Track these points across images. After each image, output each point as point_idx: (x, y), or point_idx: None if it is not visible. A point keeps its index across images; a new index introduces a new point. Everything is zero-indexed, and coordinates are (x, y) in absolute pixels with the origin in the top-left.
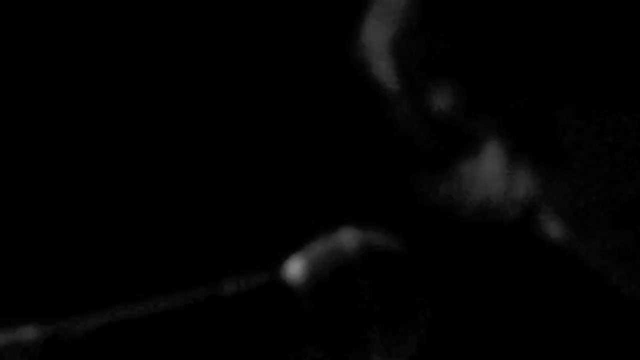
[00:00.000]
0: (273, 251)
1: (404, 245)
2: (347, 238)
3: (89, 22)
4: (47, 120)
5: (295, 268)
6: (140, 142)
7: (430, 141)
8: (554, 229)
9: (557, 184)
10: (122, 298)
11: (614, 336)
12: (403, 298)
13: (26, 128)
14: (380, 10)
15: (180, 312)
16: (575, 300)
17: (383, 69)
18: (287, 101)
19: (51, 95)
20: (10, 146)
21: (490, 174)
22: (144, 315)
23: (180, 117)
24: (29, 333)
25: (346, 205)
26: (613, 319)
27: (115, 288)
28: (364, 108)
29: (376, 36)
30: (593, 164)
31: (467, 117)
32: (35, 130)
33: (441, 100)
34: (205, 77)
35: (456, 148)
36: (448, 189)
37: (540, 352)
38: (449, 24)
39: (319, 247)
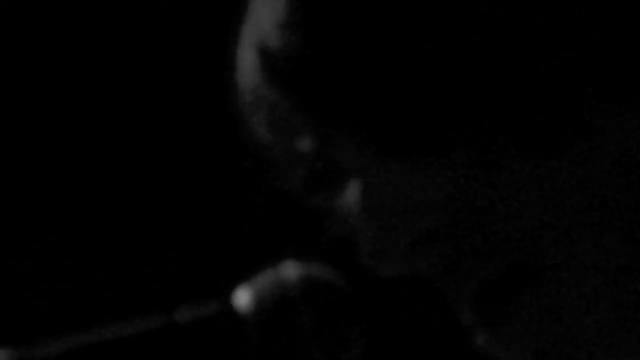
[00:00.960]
0: (223, 281)
1: (340, 276)
2: (290, 270)
3: (89, 23)
4: (47, 120)
5: (241, 298)
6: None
7: (297, 179)
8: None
9: None
10: (83, 322)
11: None
12: (340, 326)
13: (26, 128)
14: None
15: (138, 336)
16: None
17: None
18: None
19: (51, 95)
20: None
21: (350, 209)
22: (105, 338)
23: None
24: (6, 352)
25: (289, 238)
26: None
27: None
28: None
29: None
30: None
31: (327, 156)
32: (35, 130)
33: (303, 143)
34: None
35: (320, 184)
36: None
37: None
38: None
39: (263, 279)
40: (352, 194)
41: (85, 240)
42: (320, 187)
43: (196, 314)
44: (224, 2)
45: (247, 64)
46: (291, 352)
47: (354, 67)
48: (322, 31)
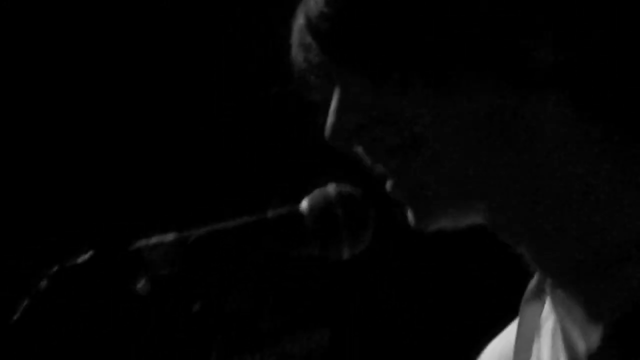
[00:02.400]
0: (294, 196)
1: (359, 191)
2: (331, 188)
3: (90, 23)
4: (47, 120)
5: (304, 204)
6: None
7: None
8: None
9: None
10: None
11: None
12: (359, 216)
13: (26, 128)
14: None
15: (252, 224)
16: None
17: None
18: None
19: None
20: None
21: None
22: (234, 226)
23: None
24: (169, 236)
25: (332, 172)
26: None
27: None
28: None
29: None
30: None
31: None
32: (35, 130)
33: None
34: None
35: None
36: None
37: None
38: None
39: (316, 193)
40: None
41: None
42: (317, 84)
43: (282, 212)
44: None
45: (298, 23)
46: (331, 234)
47: (352, 31)
48: (339, 12)
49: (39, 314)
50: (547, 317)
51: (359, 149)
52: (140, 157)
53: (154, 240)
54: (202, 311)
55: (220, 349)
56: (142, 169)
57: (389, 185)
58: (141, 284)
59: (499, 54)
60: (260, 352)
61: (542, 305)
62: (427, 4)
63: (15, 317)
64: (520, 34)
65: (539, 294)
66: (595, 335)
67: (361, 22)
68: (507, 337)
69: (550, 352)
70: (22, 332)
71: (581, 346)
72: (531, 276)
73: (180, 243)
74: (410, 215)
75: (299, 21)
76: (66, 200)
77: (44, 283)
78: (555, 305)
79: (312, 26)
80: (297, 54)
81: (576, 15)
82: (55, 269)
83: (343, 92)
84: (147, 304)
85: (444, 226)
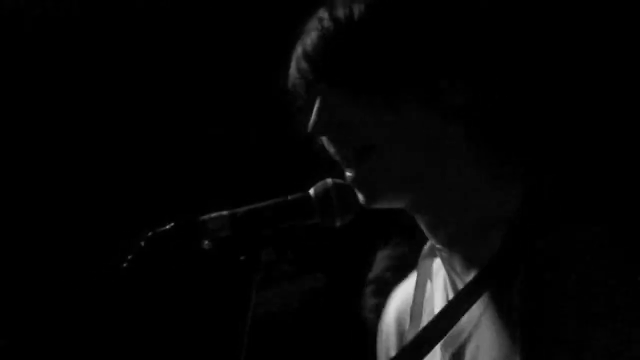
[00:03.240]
0: (304, 186)
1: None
2: (329, 180)
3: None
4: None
5: (311, 191)
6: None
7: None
8: None
9: None
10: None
11: None
12: (347, 199)
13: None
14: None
15: (278, 204)
16: None
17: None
18: None
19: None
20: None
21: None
22: (267, 205)
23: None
24: (224, 212)
25: (331, 171)
26: None
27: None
28: None
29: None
30: None
31: None
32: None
33: None
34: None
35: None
36: None
37: None
38: None
39: (320, 184)
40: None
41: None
42: (306, 105)
43: (297, 196)
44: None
45: (297, 51)
46: (328, 210)
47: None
48: (327, 49)
49: (141, 264)
50: (438, 269)
51: (327, 144)
52: (208, 157)
53: (213, 215)
54: (246, 260)
55: (258, 286)
56: (207, 165)
57: (346, 174)
58: (206, 244)
59: (427, 90)
60: (280, 287)
61: (433, 261)
62: (385, 50)
63: (124, 266)
64: (439, 77)
65: (431, 254)
66: (469, 279)
67: (339, 55)
68: (406, 286)
69: (441, 292)
70: (129, 278)
71: (460, 286)
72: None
73: (232, 216)
74: (359, 197)
75: (297, 50)
76: (152, 189)
77: (143, 243)
78: (443, 261)
79: (306, 55)
80: (293, 73)
81: (477, 74)
82: (150, 234)
83: (323, 100)
84: (211, 256)
85: (382, 206)
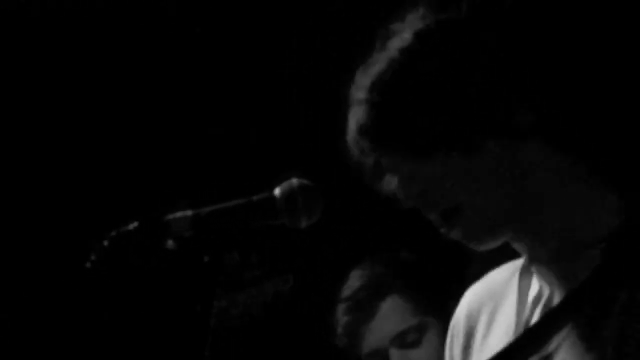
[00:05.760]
0: (270, 185)
1: (315, 183)
2: (295, 180)
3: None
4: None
5: (276, 191)
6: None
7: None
8: None
9: None
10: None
11: None
12: (312, 200)
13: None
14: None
15: (243, 204)
16: None
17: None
18: None
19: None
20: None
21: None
22: (231, 205)
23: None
24: (188, 212)
25: (295, 170)
26: None
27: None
28: None
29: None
30: None
31: None
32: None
33: None
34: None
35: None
36: None
37: None
38: None
39: (285, 184)
40: (395, 184)
41: None
42: (377, 176)
43: (262, 196)
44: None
45: (352, 123)
46: (293, 211)
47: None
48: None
49: (103, 263)
50: (533, 286)
51: (420, 207)
52: (169, 157)
53: (178, 214)
54: (209, 261)
55: (221, 289)
56: (168, 165)
57: (443, 231)
58: (170, 243)
59: (493, 124)
60: (244, 291)
61: (531, 277)
62: (448, 103)
63: (87, 265)
64: (513, 109)
65: (528, 270)
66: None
67: (402, 124)
68: (482, 285)
69: (539, 308)
70: (92, 276)
71: (557, 301)
72: None
73: (195, 216)
74: (465, 243)
75: (352, 126)
76: (115, 187)
77: (106, 242)
78: (539, 279)
79: (364, 132)
80: (353, 147)
81: (543, 96)
82: (113, 233)
83: (398, 173)
84: (172, 256)
85: (488, 248)
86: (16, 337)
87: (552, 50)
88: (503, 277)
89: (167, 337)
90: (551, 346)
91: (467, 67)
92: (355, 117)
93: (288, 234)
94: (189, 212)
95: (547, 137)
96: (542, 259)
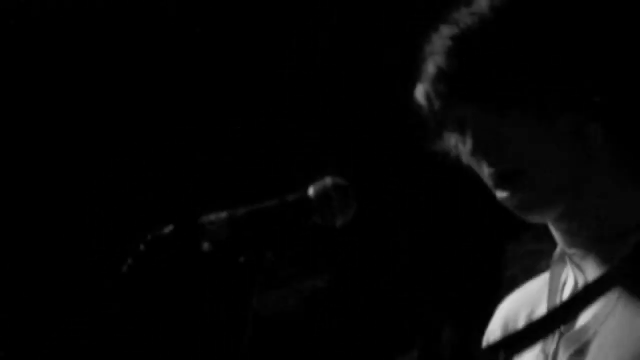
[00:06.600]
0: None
1: (348, 183)
2: (328, 180)
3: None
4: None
5: (311, 191)
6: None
7: None
8: None
9: None
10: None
11: None
12: (346, 199)
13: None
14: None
15: (278, 205)
16: None
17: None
18: None
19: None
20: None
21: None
22: (267, 206)
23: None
24: (223, 214)
25: (331, 168)
26: None
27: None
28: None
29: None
30: None
31: None
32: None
33: None
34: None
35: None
36: None
37: None
38: None
39: (319, 183)
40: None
41: None
42: (438, 130)
43: (297, 196)
44: None
45: (430, 69)
46: (328, 211)
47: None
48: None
49: (140, 268)
50: (568, 276)
51: (477, 166)
52: (208, 160)
53: (212, 217)
54: (246, 263)
55: (258, 288)
56: (206, 169)
57: (501, 196)
58: (205, 246)
59: (574, 98)
60: (280, 290)
61: (564, 267)
62: (536, 66)
63: (124, 269)
64: (592, 87)
65: (561, 260)
66: None
67: (484, 71)
68: (518, 294)
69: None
70: (129, 282)
71: None
72: None
73: (231, 218)
74: (515, 212)
75: (429, 72)
76: (152, 189)
77: (142, 246)
78: (573, 265)
79: (444, 76)
80: (427, 96)
81: (612, 81)
82: (149, 237)
83: (475, 122)
84: (211, 259)
85: (534, 221)
86: (54, 338)
87: (632, 41)
88: (539, 285)
89: (203, 339)
90: (588, 333)
91: (557, 36)
92: (437, 63)
93: (323, 233)
94: (223, 214)
95: (611, 122)
96: (582, 244)
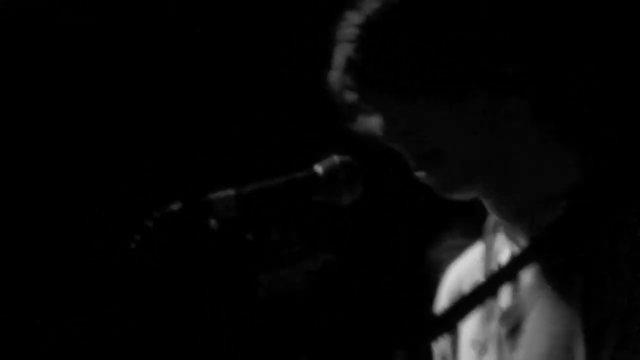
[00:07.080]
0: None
1: (356, 161)
2: (336, 157)
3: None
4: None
5: (318, 168)
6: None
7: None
8: None
9: None
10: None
11: None
12: (353, 177)
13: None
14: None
15: (286, 182)
16: None
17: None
18: None
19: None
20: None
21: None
22: (274, 183)
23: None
24: (230, 191)
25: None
26: None
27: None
28: None
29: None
30: None
31: None
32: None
33: None
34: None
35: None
36: None
37: None
38: None
39: (326, 161)
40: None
41: None
42: (352, 115)
43: (305, 174)
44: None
45: (338, 58)
46: (335, 188)
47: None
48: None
49: (148, 244)
50: (502, 243)
51: (399, 149)
52: (212, 142)
53: (220, 194)
54: (253, 240)
55: (264, 266)
56: (213, 149)
57: (420, 175)
58: (213, 223)
59: (489, 75)
60: (286, 267)
61: (497, 235)
62: (440, 50)
63: (132, 246)
64: (503, 63)
65: (495, 229)
66: None
67: (388, 60)
68: (467, 257)
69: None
70: (137, 256)
71: None
72: None
73: (239, 196)
74: (437, 191)
75: (338, 61)
76: (158, 168)
77: (150, 223)
78: (507, 236)
79: (351, 66)
80: (338, 84)
81: (533, 54)
82: (157, 213)
83: (383, 111)
84: (218, 236)
85: (456, 198)
86: (65, 319)
87: (542, 9)
88: (479, 253)
89: (208, 319)
90: (522, 308)
91: (458, 14)
92: (344, 52)
93: (330, 211)
94: (231, 192)
95: (528, 94)
96: (510, 215)
